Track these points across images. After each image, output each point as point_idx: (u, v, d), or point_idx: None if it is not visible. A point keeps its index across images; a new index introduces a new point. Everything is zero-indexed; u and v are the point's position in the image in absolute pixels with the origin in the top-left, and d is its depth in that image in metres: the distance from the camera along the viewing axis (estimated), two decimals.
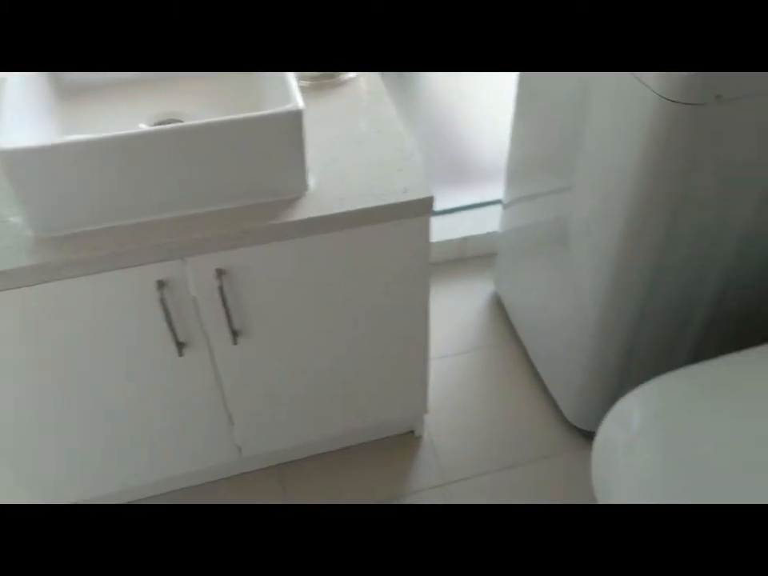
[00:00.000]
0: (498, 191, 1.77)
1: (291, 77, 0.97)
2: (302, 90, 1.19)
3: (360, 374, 1.21)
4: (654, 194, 1.00)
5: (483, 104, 1.62)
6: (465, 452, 1.41)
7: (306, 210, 0.96)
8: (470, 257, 1.81)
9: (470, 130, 1.68)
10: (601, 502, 0.96)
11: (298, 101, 0.92)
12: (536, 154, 1.31)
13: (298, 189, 0.98)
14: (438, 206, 1.79)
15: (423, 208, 1.00)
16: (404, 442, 1.43)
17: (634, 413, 1.00)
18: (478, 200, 1.81)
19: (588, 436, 1.42)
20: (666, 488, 0.89)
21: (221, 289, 0.98)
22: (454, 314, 1.68)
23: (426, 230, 1.03)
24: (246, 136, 0.91)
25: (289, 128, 0.92)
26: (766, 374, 1.00)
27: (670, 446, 0.93)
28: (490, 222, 1.77)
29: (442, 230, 1.77)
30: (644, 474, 0.91)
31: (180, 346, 1.03)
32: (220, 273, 0.97)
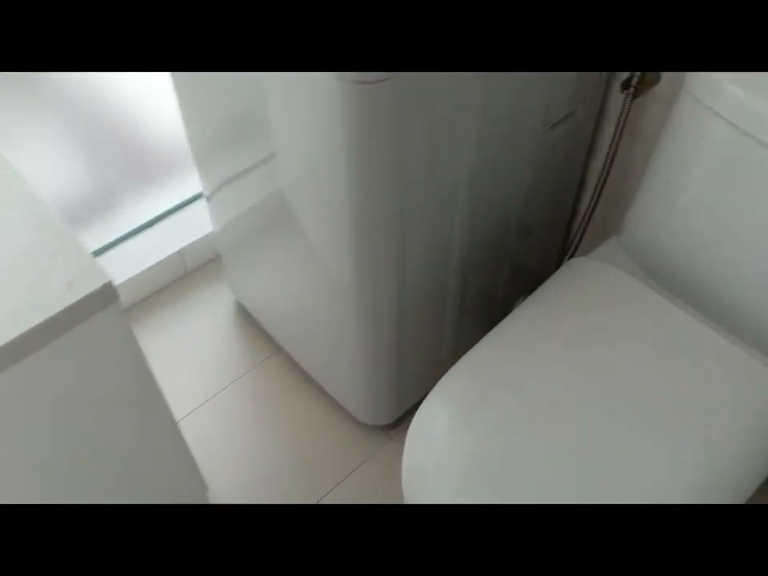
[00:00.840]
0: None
1: None
2: None
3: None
4: (368, 142, 0.81)
5: (139, 90, 1.31)
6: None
7: None
8: (193, 269, 1.54)
9: (137, 122, 1.38)
10: None
11: None
12: (218, 128, 1.06)
13: None
14: (137, 221, 1.48)
15: (104, 299, 0.72)
16: None
17: (433, 425, 0.88)
18: (178, 201, 1.53)
19: (388, 427, 1.30)
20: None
21: None
22: (197, 347, 1.42)
23: (120, 321, 0.77)
24: None
25: None
26: (540, 340, 0.94)
27: (474, 457, 0.84)
28: (204, 222, 1.50)
29: (150, 250, 1.47)
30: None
31: None
32: None
